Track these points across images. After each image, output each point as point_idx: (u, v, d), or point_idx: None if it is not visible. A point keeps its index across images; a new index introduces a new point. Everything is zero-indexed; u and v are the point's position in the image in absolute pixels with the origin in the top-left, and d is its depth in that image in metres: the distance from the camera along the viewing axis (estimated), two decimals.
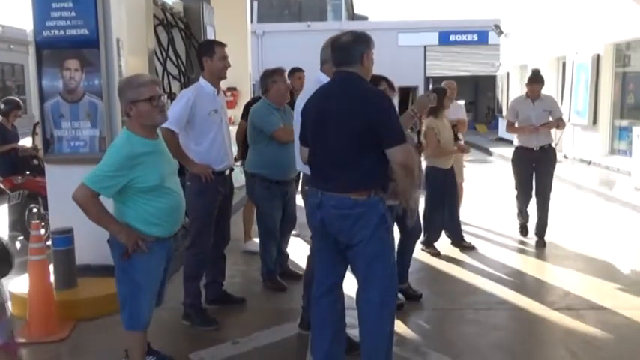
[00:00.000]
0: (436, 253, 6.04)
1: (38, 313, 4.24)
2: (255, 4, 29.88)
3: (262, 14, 30.61)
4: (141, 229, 3.07)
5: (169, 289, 3.72)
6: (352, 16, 40.45)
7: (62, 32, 4.86)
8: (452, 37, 27.39)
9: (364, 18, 40.33)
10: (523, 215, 6.66)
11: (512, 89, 18.43)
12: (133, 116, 3.05)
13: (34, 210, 6.81)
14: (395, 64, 25.01)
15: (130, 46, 5.66)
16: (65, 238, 4.70)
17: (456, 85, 7.31)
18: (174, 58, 6.56)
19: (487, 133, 22.60)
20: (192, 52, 6.89)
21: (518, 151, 6.48)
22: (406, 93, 23.73)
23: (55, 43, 4.88)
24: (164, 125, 3.43)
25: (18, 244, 6.78)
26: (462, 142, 6.45)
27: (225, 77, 4.34)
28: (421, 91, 25.79)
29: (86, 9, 4.80)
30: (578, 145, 13.20)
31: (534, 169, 6.31)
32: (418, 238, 5.06)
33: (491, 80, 22.70)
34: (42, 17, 4.85)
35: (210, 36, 7.50)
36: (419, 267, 5.58)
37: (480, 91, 28.22)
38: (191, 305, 4.32)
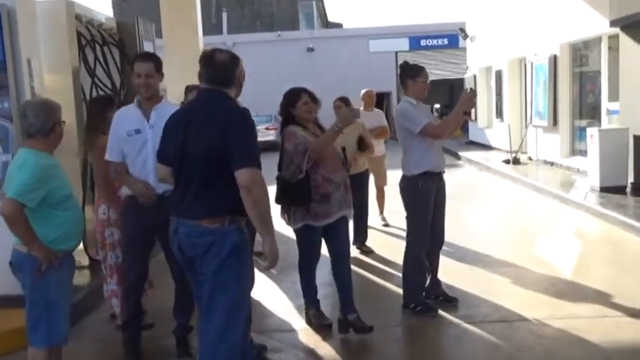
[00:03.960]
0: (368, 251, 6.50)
1: None
2: (225, 15, 29.84)
3: (234, 25, 30.53)
4: (52, 244, 3.20)
5: None
6: (326, 24, 40.49)
7: None
8: (422, 42, 27.47)
9: (339, 25, 40.38)
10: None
11: (479, 92, 18.42)
12: (55, 134, 3.28)
13: None
14: (367, 70, 25.17)
15: (50, 65, 5.52)
16: None
17: (374, 93, 7.61)
18: (103, 76, 6.37)
19: (462, 136, 22.61)
20: (128, 68, 6.74)
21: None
22: (380, 99, 23.71)
23: None
24: (108, 158, 3.98)
25: None
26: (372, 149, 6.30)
27: (145, 95, 3.92)
28: (394, 97, 25.80)
29: None
30: (540, 147, 13.18)
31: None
32: (344, 260, 4.52)
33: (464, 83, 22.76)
34: None
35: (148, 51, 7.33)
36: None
37: (455, 94, 28.22)
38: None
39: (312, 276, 4.52)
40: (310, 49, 27.37)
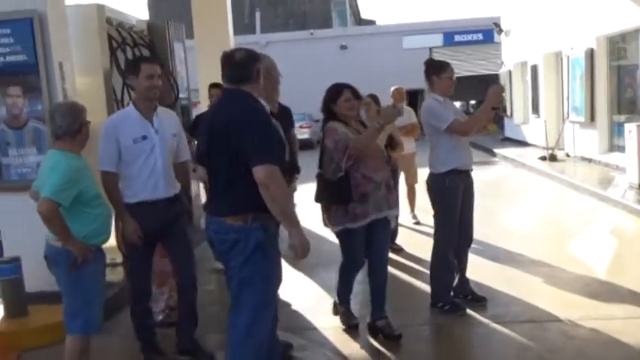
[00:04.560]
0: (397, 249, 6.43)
1: None
2: (258, 14, 29.99)
3: (267, 25, 30.69)
4: (85, 239, 3.38)
5: None
6: (359, 21, 40.39)
7: (2, 59, 4.81)
8: (457, 37, 27.17)
9: (372, 22, 40.23)
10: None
11: (514, 87, 18.11)
12: (82, 135, 3.43)
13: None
14: (400, 67, 24.95)
15: (82, 67, 5.64)
16: (11, 267, 4.65)
17: (404, 90, 7.55)
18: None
19: (497, 132, 22.28)
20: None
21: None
22: (414, 96, 23.53)
23: None
24: (100, 167, 3.79)
25: None
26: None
27: (154, 98, 3.83)
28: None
29: (24, 35, 4.75)
30: (578, 143, 12.87)
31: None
32: (382, 264, 4.37)
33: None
34: None
35: (178, 52, 7.43)
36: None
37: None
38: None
39: (352, 279, 4.40)
40: (343, 47, 27.34)
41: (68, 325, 3.48)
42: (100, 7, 5.97)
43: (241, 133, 2.80)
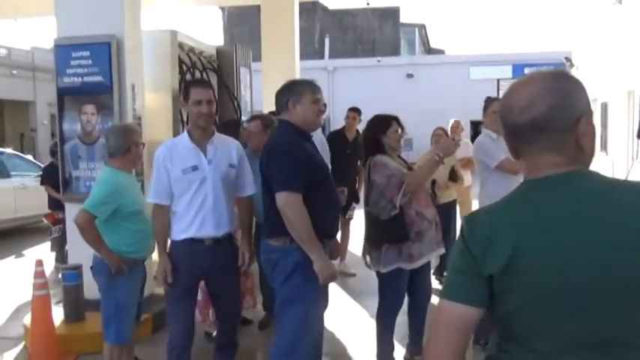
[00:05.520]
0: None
1: (38, 345, 4.46)
2: (327, 40, 30.52)
3: (336, 50, 31.17)
4: (122, 253, 3.60)
5: None
6: (428, 50, 40.37)
7: (80, 79, 5.18)
8: (526, 70, 26.66)
9: (441, 52, 40.13)
10: None
11: (611, 120, 17.62)
12: (131, 155, 3.68)
13: None
14: (467, 97, 24.68)
15: (153, 88, 6.00)
16: (73, 274, 4.96)
17: (462, 123, 7.57)
18: None
19: None
20: (224, 92, 7.17)
21: None
22: (479, 127, 23.28)
23: (73, 89, 5.21)
24: (150, 200, 3.56)
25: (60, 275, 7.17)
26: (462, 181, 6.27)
27: (204, 125, 3.46)
28: None
29: (101, 58, 5.10)
30: None
31: None
32: (428, 300, 4.27)
33: None
34: (63, 65, 5.19)
35: (244, 77, 7.75)
36: None
37: None
38: None
39: (393, 326, 4.11)
40: (410, 75, 27.38)
41: (104, 332, 3.73)
42: (174, 33, 6.34)
43: (269, 160, 3.03)
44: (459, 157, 6.78)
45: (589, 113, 1.38)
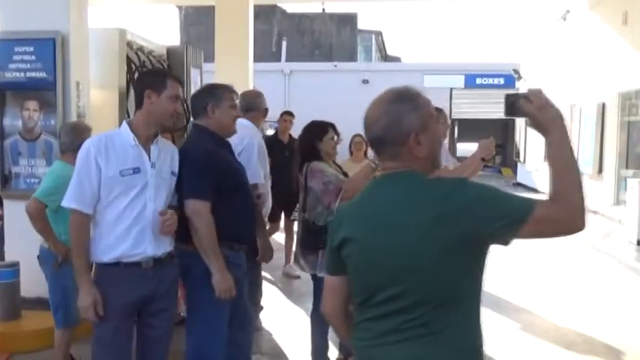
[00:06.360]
0: None
1: None
2: (284, 43, 30.62)
3: (294, 54, 31.26)
4: (67, 242, 3.58)
5: None
6: (385, 58, 40.91)
7: (23, 75, 5.13)
8: (478, 80, 27.38)
9: (397, 59, 40.72)
10: None
11: (530, 135, 18.25)
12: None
13: None
14: None
15: (99, 85, 5.96)
16: (10, 271, 4.87)
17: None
18: None
19: (512, 177, 22.38)
20: None
21: None
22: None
23: (16, 84, 5.15)
24: (68, 205, 2.81)
25: None
26: None
27: (169, 125, 3.05)
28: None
29: (46, 54, 5.07)
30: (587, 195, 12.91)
31: None
32: None
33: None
34: (5, 60, 5.12)
35: (194, 78, 7.73)
36: None
37: (508, 133, 28.00)
38: None
39: (327, 327, 4.04)
40: (365, 81, 27.71)
41: (54, 318, 3.97)
42: (122, 31, 6.29)
43: (182, 167, 3.01)
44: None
45: (420, 129, 1.69)
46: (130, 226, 2.78)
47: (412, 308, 1.62)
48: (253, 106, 3.99)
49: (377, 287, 1.68)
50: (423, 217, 1.60)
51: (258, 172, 3.68)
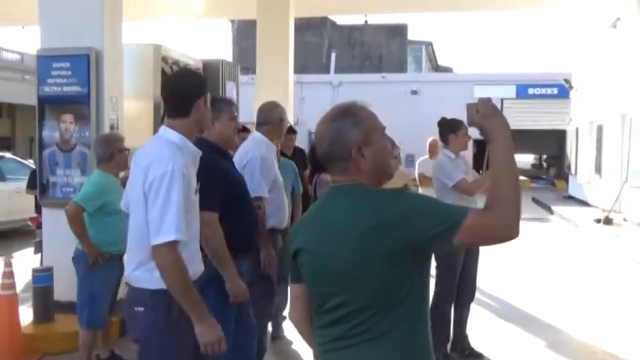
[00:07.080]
0: None
1: (2, 344, 4.61)
2: (334, 55, 30.81)
3: (344, 65, 31.43)
4: (101, 245, 4.05)
5: None
6: (436, 68, 40.58)
7: (60, 89, 5.41)
8: (530, 90, 26.80)
9: (449, 69, 40.32)
10: None
11: (580, 145, 17.72)
12: (115, 160, 4.12)
13: None
14: None
15: (136, 97, 6.24)
16: (44, 275, 5.12)
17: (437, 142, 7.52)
18: None
19: (566, 189, 21.75)
20: None
21: None
22: (483, 146, 23.34)
23: (54, 98, 5.43)
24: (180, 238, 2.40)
25: None
26: None
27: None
28: None
29: (80, 69, 5.33)
30: (636, 208, 12.44)
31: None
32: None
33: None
34: (44, 75, 5.42)
35: (230, 91, 7.95)
36: None
37: (563, 145, 27.22)
38: None
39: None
40: (414, 92, 27.57)
41: (78, 318, 4.21)
42: (157, 47, 6.57)
43: None
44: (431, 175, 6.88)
45: (363, 143, 1.75)
46: (196, 245, 2.63)
47: (356, 314, 1.69)
48: (266, 119, 4.06)
49: (327, 295, 1.76)
50: (360, 227, 1.66)
51: (260, 185, 3.73)
